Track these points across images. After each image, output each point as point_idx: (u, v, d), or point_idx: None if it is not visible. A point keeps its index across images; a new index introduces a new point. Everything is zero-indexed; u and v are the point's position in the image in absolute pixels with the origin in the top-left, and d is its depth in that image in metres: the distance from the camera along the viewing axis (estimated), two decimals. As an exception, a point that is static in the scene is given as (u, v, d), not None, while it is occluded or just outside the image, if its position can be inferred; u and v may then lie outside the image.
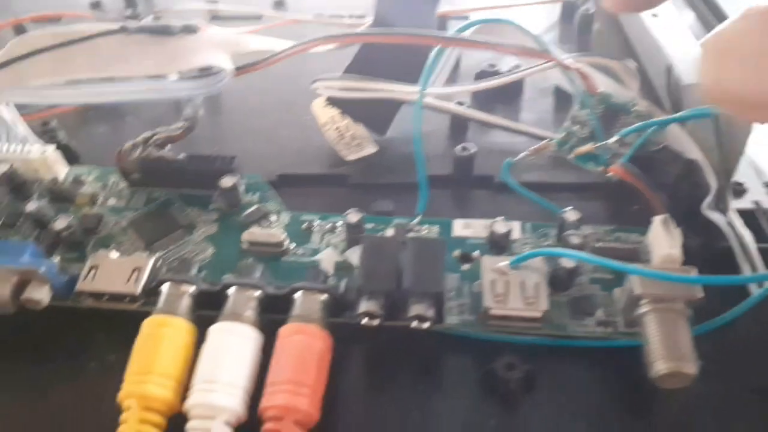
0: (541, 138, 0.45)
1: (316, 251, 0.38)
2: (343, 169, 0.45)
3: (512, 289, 0.34)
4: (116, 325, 0.35)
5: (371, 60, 0.43)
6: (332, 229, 0.39)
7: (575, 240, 0.36)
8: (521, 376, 0.32)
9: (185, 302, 0.34)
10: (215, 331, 0.32)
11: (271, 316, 0.34)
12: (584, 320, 0.35)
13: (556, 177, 0.44)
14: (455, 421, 0.32)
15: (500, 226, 0.37)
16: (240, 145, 0.48)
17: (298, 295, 0.34)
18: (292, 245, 0.39)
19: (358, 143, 0.46)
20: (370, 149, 0.46)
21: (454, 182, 0.44)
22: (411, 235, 0.38)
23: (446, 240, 0.35)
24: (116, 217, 0.41)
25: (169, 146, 0.41)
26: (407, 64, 0.43)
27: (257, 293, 0.34)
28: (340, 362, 0.33)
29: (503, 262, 0.35)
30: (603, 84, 0.43)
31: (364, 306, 0.33)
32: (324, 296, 0.33)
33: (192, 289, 0.34)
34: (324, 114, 0.47)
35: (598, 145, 0.41)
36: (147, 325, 0.32)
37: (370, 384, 0.34)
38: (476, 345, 0.34)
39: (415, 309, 0.32)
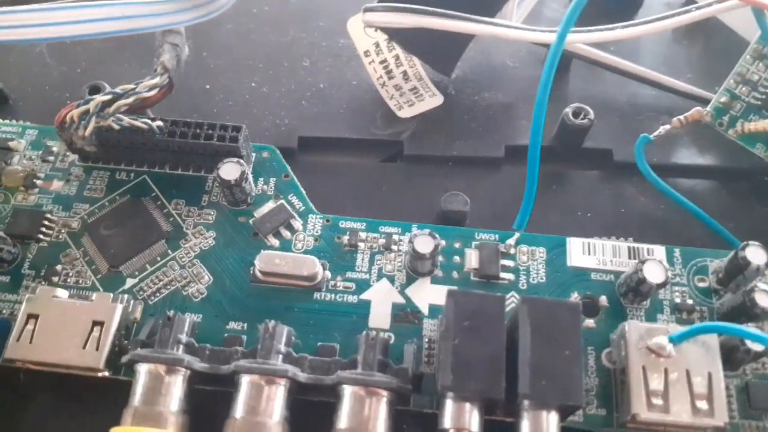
0: (682, 94, 0.32)
1: (363, 285, 0.26)
2: (394, 132, 0.31)
3: (675, 384, 0.22)
4: (70, 397, 0.24)
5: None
6: (386, 247, 0.27)
7: (765, 302, 0.23)
8: None
9: (175, 398, 0.22)
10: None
11: (299, 397, 0.23)
12: (763, 419, 0.24)
13: (693, 156, 0.31)
14: None
15: (655, 272, 0.24)
16: (239, 86, 0.33)
17: (347, 392, 0.22)
18: (328, 274, 0.26)
19: (413, 87, 0.32)
20: (432, 100, 0.32)
21: (553, 156, 0.31)
22: (509, 264, 0.26)
23: (579, 304, 0.22)
24: (64, 214, 0.27)
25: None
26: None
27: (284, 385, 0.22)
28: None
29: (660, 335, 0.23)
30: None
31: (453, 419, 0.21)
32: (386, 395, 0.22)
33: (184, 373, 0.22)
34: (366, 38, 0.32)
35: (782, 122, 0.28)
36: (117, 443, 0.21)
37: None
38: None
39: (532, 425, 0.21)
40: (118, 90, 0.25)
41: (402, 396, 0.22)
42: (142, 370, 0.22)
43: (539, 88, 0.23)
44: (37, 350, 0.23)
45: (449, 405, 0.21)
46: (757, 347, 0.23)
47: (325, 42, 0.34)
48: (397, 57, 0.32)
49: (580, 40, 0.29)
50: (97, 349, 0.23)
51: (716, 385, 0.22)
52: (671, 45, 0.35)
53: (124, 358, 0.22)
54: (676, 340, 0.22)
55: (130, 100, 0.25)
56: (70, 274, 0.26)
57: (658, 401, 0.22)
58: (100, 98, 0.24)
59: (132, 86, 0.25)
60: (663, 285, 0.24)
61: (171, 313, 0.23)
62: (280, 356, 0.22)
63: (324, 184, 0.30)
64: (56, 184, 0.28)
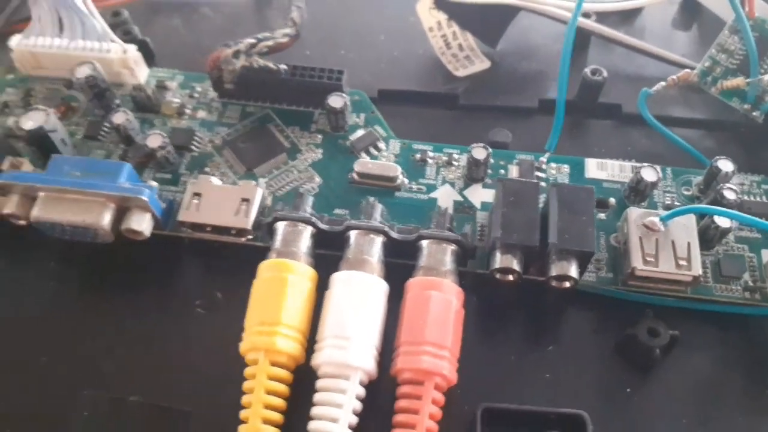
0: (677, 65, 0.41)
1: (431, 188, 0.35)
2: (452, 87, 0.41)
3: (663, 249, 0.31)
4: (220, 258, 0.33)
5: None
6: (448, 163, 0.36)
7: (731, 196, 0.32)
8: (665, 343, 0.30)
9: (305, 244, 0.31)
10: (340, 281, 0.29)
11: (391, 260, 0.31)
12: (730, 284, 0.32)
13: (685, 111, 0.40)
14: (589, 383, 0.30)
15: (649, 173, 0.33)
16: (332, 54, 0.43)
17: (425, 243, 0.31)
18: (406, 180, 0.35)
19: (466, 55, 0.41)
20: (482, 65, 0.41)
21: (575, 109, 0.40)
22: (541, 175, 0.35)
23: (593, 188, 0.31)
24: (209, 134, 0.37)
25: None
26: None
27: (381, 238, 0.31)
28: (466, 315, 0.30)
29: (653, 216, 0.31)
30: (759, 6, 0.37)
31: (500, 261, 0.30)
32: (453, 246, 0.30)
33: (311, 230, 0.31)
34: (430, 17, 0.41)
35: (751, 80, 0.36)
36: (267, 269, 0.30)
37: (497, 342, 0.32)
38: (612, 304, 0.32)
39: (559, 268, 0.30)
40: (259, 36, 0.34)
41: (465, 252, 0.31)
42: (281, 225, 0.31)
43: (564, 41, 0.32)
44: (201, 215, 0.32)
45: (497, 254, 0.30)
46: (723, 222, 0.31)
47: (399, 21, 0.44)
48: (454, 32, 0.41)
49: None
50: (246, 216, 0.32)
51: (693, 250, 0.30)
52: (671, 29, 0.45)
53: (268, 219, 0.31)
54: (665, 219, 0.31)
55: (270, 42, 0.34)
56: (216, 174, 0.35)
57: (651, 259, 0.30)
58: (248, 40, 0.34)
59: (269, 33, 0.35)
60: (655, 184, 0.33)
61: (301, 190, 0.32)
62: (377, 221, 0.31)
63: (398, 126, 0.39)
64: (201, 113, 0.38)
